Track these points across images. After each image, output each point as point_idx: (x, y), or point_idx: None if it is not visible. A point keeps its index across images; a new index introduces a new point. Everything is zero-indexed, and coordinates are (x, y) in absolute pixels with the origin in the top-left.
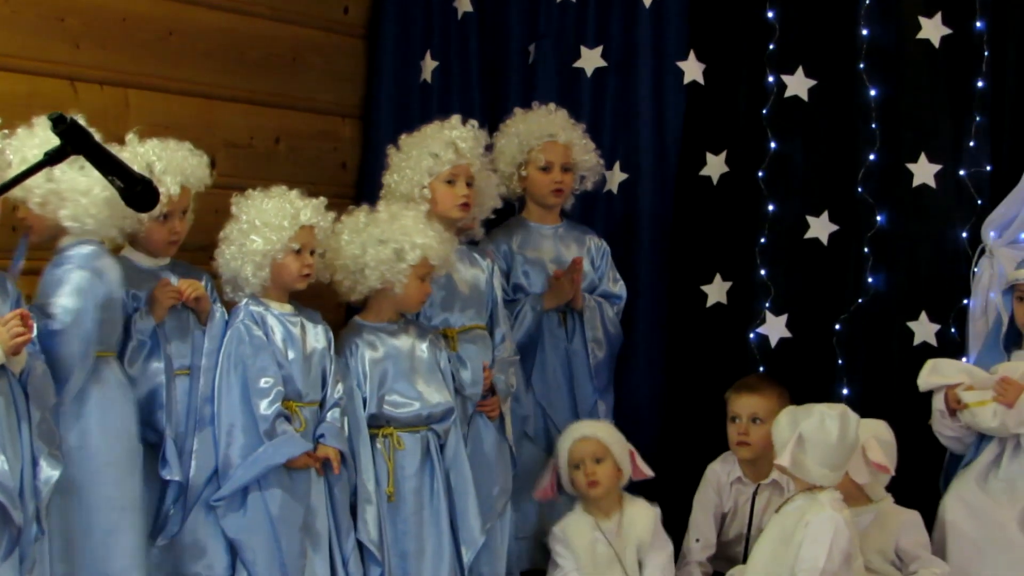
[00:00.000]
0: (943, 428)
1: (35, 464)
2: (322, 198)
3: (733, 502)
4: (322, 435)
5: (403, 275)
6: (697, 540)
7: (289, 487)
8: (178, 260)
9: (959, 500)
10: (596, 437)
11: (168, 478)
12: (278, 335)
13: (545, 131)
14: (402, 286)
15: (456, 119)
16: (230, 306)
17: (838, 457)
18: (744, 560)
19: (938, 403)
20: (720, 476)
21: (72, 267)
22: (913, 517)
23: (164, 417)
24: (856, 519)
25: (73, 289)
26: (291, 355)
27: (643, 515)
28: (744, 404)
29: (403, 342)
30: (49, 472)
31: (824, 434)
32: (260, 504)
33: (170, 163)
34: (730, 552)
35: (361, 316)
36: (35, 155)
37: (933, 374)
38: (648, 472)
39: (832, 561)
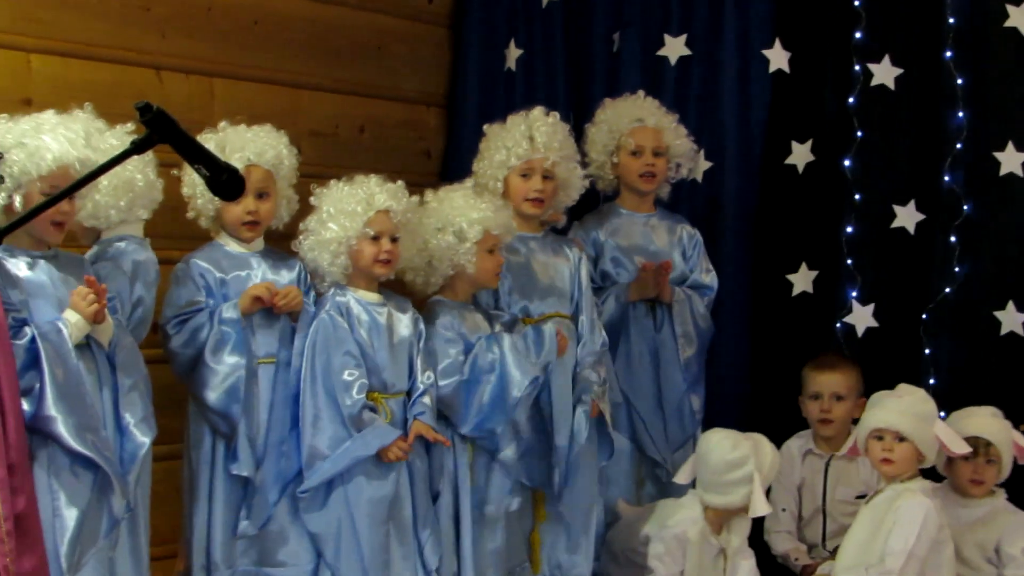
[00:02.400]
0: None
1: (122, 434)
2: (400, 182)
3: (805, 475)
4: (422, 412)
5: (471, 254)
6: (783, 509)
7: (375, 478)
8: (272, 248)
9: None
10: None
11: (235, 473)
12: (364, 325)
13: (634, 116)
14: (473, 265)
15: (538, 111)
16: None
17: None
18: (823, 541)
19: None
20: (792, 450)
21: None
22: (1022, 519)
23: (239, 412)
24: (967, 510)
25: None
26: (376, 344)
27: (742, 528)
28: (826, 382)
29: (480, 323)
30: (139, 440)
31: (935, 410)
32: (342, 499)
33: (236, 142)
34: (808, 533)
35: (441, 294)
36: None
37: None
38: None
39: (920, 545)
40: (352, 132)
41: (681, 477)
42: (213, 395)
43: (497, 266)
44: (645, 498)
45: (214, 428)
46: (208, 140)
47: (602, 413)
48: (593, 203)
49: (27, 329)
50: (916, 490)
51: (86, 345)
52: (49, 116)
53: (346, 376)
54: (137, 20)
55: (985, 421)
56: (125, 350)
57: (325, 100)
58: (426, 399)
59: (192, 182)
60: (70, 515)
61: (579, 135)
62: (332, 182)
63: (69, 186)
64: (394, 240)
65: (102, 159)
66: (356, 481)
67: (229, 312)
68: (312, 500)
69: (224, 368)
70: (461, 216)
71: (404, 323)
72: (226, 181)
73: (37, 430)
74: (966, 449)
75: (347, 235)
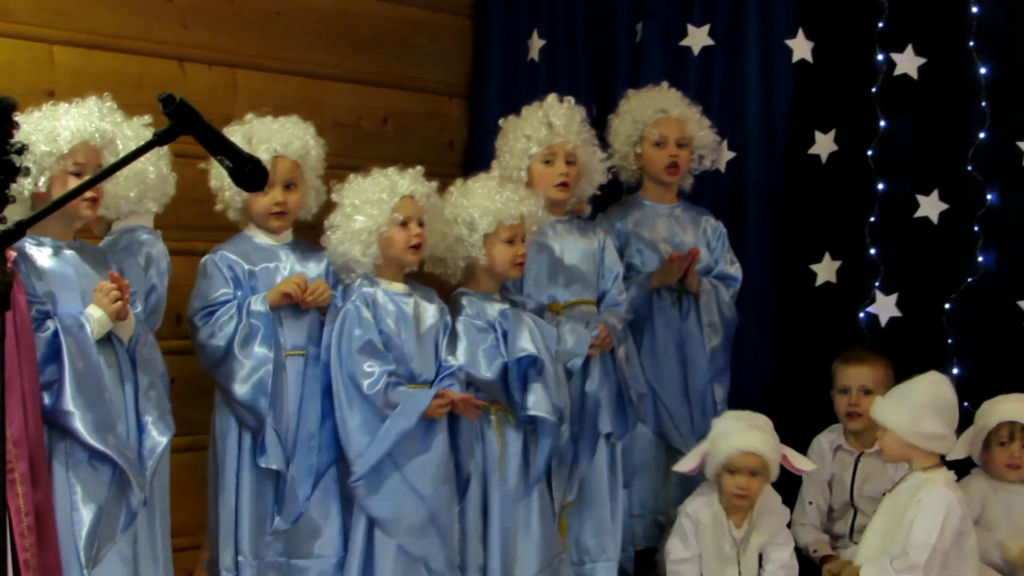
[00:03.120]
0: None
1: (141, 431)
2: (419, 167)
3: (835, 470)
4: (451, 384)
5: (479, 245)
6: (810, 503)
7: (419, 448)
8: (300, 240)
9: None
10: (760, 454)
11: (264, 466)
12: (391, 315)
13: (658, 106)
14: (484, 256)
15: (552, 98)
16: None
17: (953, 419)
18: (851, 534)
19: None
20: (823, 445)
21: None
22: None
23: (267, 405)
24: (1009, 496)
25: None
26: (404, 335)
27: (773, 519)
28: (854, 375)
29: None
30: (157, 438)
31: (945, 398)
32: (396, 476)
33: (263, 133)
34: (838, 526)
35: (465, 286)
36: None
37: None
38: (806, 466)
39: (944, 538)
40: (375, 123)
41: None
42: (241, 388)
43: (515, 257)
44: (672, 489)
45: (242, 421)
46: (235, 132)
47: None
48: (616, 196)
49: (49, 323)
50: (939, 481)
51: (107, 340)
52: (63, 104)
53: (366, 368)
54: (160, 11)
55: (1019, 406)
56: (145, 347)
57: (348, 91)
58: (448, 380)
59: (220, 175)
60: (88, 510)
61: (602, 125)
62: (350, 176)
63: (95, 175)
64: (421, 224)
65: (118, 131)
66: (404, 455)
67: (258, 305)
68: (368, 486)
69: (252, 361)
70: (474, 207)
71: (431, 313)
72: (249, 172)
73: (55, 424)
74: None
75: (377, 224)
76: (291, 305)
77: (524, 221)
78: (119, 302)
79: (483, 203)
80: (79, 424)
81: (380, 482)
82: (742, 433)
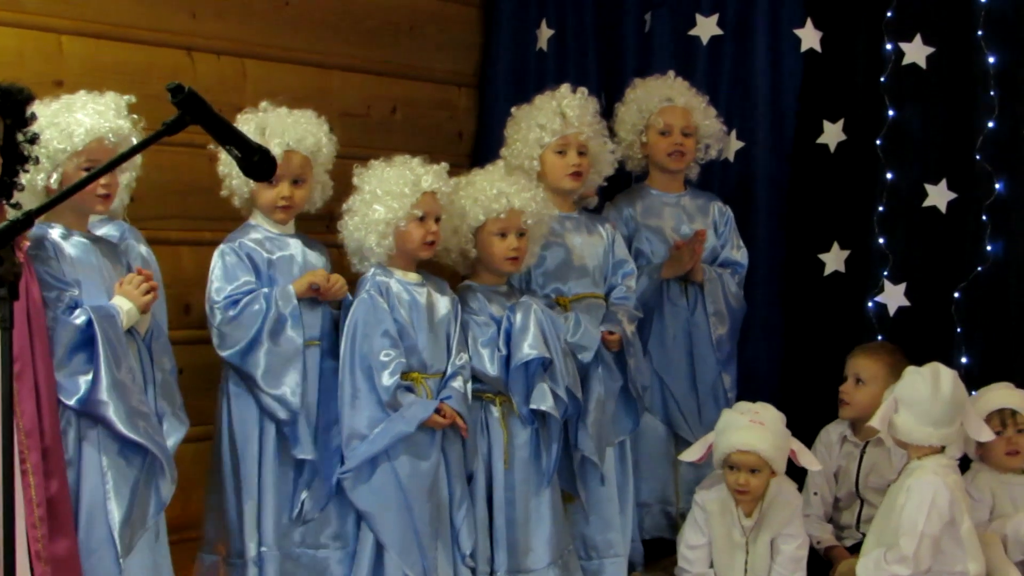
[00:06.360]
0: None
1: (160, 424)
2: (444, 164)
3: (841, 461)
4: (448, 396)
5: (470, 236)
6: (815, 493)
7: (417, 453)
8: (300, 232)
9: None
10: (757, 452)
11: (300, 457)
12: (404, 305)
13: (663, 95)
14: (475, 249)
15: (565, 88)
16: (356, 277)
17: (937, 413)
18: (857, 524)
19: None
20: (830, 435)
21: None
22: None
23: (299, 397)
24: (1018, 488)
25: None
26: (416, 325)
27: (784, 510)
28: (851, 365)
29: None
30: (171, 432)
31: (916, 390)
32: (389, 473)
33: (277, 126)
34: (844, 516)
35: (470, 279)
36: None
37: None
38: (814, 465)
39: (931, 524)
40: (384, 113)
41: None
42: (272, 380)
43: (506, 251)
44: (681, 480)
45: (270, 413)
46: (248, 120)
47: (624, 354)
48: (624, 185)
49: (80, 311)
50: (928, 468)
51: (128, 333)
52: (79, 95)
53: (382, 357)
54: (168, 1)
55: (1006, 393)
56: (160, 341)
57: (357, 81)
58: (455, 383)
59: (229, 161)
60: (121, 498)
61: (610, 115)
62: (372, 162)
63: (103, 165)
64: (437, 220)
65: (133, 128)
66: (400, 455)
67: (287, 296)
68: (356, 478)
69: (284, 352)
70: (467, 197)
71: (443, 304)
72: (258, 162)
73: (88, 414)
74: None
75: (396, 216)
76: (307, 298)
77: (516, 215)
78: (149, 295)
79: (475, 194)
80: (112, 414)
81: (370, 475)
82: (741, 430)
